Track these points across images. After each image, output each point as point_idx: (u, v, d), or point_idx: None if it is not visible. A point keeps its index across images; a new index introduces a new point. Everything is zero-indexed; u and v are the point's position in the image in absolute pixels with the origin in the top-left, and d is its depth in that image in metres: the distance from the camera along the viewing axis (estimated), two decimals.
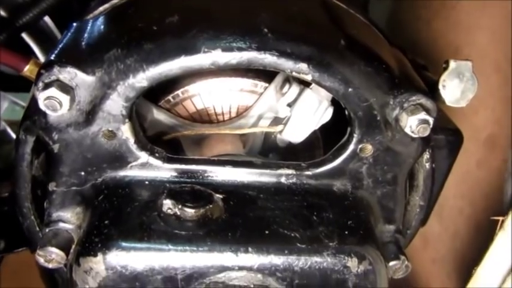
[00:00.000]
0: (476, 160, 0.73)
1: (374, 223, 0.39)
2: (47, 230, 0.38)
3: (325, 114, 0.42)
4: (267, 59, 0.32)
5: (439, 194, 0.55)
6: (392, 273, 0.42)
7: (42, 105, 0.32)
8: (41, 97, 0.32)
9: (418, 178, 0.44)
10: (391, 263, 0.41)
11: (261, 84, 0.44)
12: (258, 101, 0.44)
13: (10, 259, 1.03)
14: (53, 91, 0.32)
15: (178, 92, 0.45)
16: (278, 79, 0.43)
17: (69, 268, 0.35)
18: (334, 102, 0.42)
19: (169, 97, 0.45)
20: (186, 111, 0.45)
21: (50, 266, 0.38)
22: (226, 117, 0.46)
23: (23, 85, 1.11)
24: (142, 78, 0.32)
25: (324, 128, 0.44)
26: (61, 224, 0.38)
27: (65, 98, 0.32)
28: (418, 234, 0.95)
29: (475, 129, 0.69)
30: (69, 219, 0.38)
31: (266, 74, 0.44)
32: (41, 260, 0.37)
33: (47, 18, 0.98)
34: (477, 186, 0.72)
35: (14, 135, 1.11)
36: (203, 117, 0.46)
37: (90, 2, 0.54)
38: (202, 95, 0.45)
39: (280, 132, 0.43)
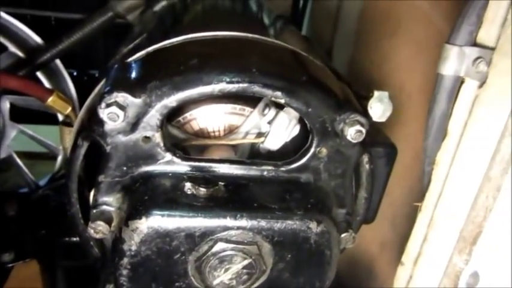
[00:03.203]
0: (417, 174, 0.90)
1: (330, 205, 0.56)
2: (94, 211, 0.53)
3: (294, 129, 0.59)
4: (255, 88, 0.49)
5: (382, 195, 0.72)
6: (344, 243, 0.58)
7: (105, 118, 0.48)
8: (105, 112, 0.48)
9: (362, 177, 0.61)
10: (343, 235, 0.57)
11: (248, 109, 0.61)
12: (246, 121, 0.61)
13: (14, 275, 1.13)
14: (113, 109, 0.47)
15: (186, 114, 0.61)
16: (260, 105, 0.60)
17: (117, 231, 0.50)
18: (300, 122, 0.59)
19: (180, 118, 0.61)
20: (192, 129, 0.62)
21: (97, 236, 0.52)
22: (222, 133, 0.62)
23: (31, 117, 1.26)
24: (172, 100, 0.49)
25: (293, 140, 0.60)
26: (105, 207, 0.53)
27: (121, 113, 0.48)
28: (375, 242, 1.11)
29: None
30: (111, 203, 0.53)
31: (251, 102, 0.61)
32: (91, 231, 0.52)
33: (57, 61, 1.14)
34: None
35: (19, 161, 1.24)
36: (204, 133, 0.62)
37: (119, 48, 0.71)
38: (203, 117, 0.61)
39: (262, 142, 0.59)
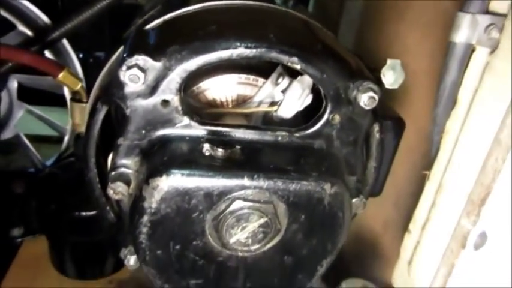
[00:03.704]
0: (421, 153, 0.92)
1: (342, 170, 0.57)
2: (113, 173, 0.54)
3: (307, 98, 0.60)
4: (272, 54, 0.51)
5: (390, 169, 0.73)
6: (355, 208, 0.60)
7: (126, 80, 0.49)
8: (126, 75, 0.49)
9: (372, 147, 0.63)
10: (354, 200, 0.59)
11: (261, 80, 0.63)
12: (259, 91, 0.62)
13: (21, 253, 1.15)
14: (134, 71, 0.49)
15: (201, 84, 0.62)
16: (274, 75, 0.61)
17: (138, 190, 0.51)
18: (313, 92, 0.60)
19: (194, 88, 0.62)
20: (206, 99, 0.63)
21: (116, 197, 0.54)
22: (235, 104, 0.64)
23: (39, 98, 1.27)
24: (192, 64, 0.50)
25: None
26: (123, 169, 0.54)
27: (141, 75, 0.49)
28: (379, 221, 1.12)
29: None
30: (129, 165, 0.54)
31: (264, 73, 0.62)
32: (111, 192, 0.53)
33: (65, 41, 1.15)
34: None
35: (26, 141, 1.25)
36: (218, 104, 0.63)
37: (135, 19, 0.72)
38: (217, 87, 0.62)
39: (276, 111, 0.61)
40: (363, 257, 1.09)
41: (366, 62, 0.63)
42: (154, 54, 0.50)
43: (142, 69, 0.49)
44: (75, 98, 0.94)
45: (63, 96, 1.17)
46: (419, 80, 0.97)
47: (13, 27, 1.09)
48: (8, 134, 1.24)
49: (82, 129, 0.94)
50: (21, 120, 1.29)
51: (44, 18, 1.12)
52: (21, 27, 1.09)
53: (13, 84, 1.20)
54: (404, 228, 0.81)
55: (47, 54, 1.12)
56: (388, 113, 0.70)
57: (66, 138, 1.24)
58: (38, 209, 1.07)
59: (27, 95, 1.27)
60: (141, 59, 0.49)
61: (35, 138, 1.37)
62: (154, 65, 0.50)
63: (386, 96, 0.71)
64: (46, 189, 1.08)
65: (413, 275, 0.62)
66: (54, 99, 1.23)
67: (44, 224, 1.07)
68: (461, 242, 0.52)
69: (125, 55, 0.50)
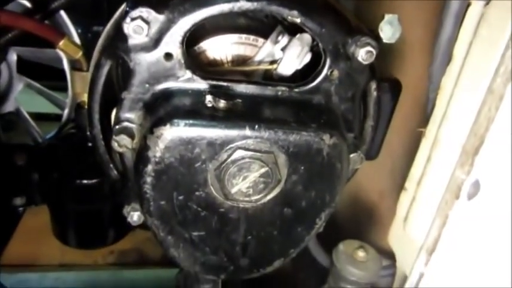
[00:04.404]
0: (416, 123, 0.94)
1: (340, 124, 0.59)
2: (117, 127, 0.56)
3: (306, 56, 0.61)
4: (273, 7, 0.52)
5: (386, 131, 0.75)
6: (353, 163, 0.61)
7: (130, 31, 0.50)
8: (130, 26, 0.50)
9: (369, 107, 0.64)
10: (352, 155, 0.60)
11: (261, 40, 0.64)
12: (260, 51, 0.63)
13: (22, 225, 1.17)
14: (138, 22, 0.50)
15: (201, 44, 0.63)
16: (274, 34, 0.62)
17: (142, 141, 0.52)
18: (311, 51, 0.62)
19: (195, 48, 0.63)
20: (207, 59, 0.64)
21: (120, 150, 0.55)
22: (235, 64, 0.65)
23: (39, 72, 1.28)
24: (194, 17, 0.51)
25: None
26: (127, 123, 0.56)
27: (145, 27, 0.50)
28: (375, 190, 1.14)
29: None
30: (133, 119, 0.56)
31: (263, 34, 0.63)
32: (115, 144, 0.55)
33: (64, 15, 1.15)
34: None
35: (26, 115, 1.26)
36: (218, 64, 0.64)
37: None
38: (218, 47, 0.63)
39: (275, 69, 0.62)
40: (359, 225, 1.11)
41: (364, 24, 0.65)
42: (158, 7, 0.51)
43: (146, 21, 0.50)
44: (76, 66, 0.95)
45: (62, 71, 1.18)
46: (415, 50, 0.99)
47: None
48: (8, 107, 1.25)
49: (83, 98, 0.95)
50: (20, 97, 1.29)
51: None
52: None
53: (13, 56, 1.20)
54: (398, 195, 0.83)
55: None
56: (385, 76, 0.72)
57: (66, 112, 1.24)
58: (39, 179, 1.09)
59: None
60: (144, 11, 0.50)
61: (34, 117, 1.38)
62: (157, 17, 0.51)
63: (382, 66, 0.73)
64: (47, 160, 1.09)
65: (409, 230, 0.64)
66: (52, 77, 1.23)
67: (46, 194, 1.08)
68: (455, 192, 0.54)
69: (128, 8, 0.51)
